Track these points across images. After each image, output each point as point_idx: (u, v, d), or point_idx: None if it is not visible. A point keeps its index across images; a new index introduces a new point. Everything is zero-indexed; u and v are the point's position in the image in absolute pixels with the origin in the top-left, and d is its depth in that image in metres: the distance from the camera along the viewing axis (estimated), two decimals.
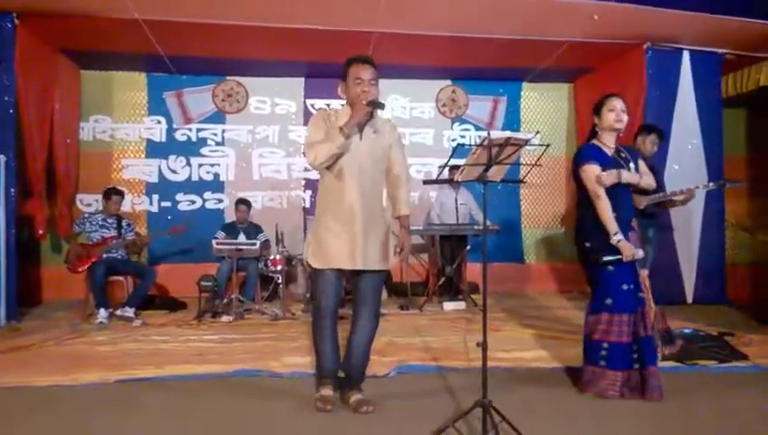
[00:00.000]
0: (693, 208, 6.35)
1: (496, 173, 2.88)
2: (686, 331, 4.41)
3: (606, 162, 3.30)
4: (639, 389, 3.21)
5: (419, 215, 7.26)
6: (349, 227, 2.98)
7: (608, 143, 3.36)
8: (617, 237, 3.18)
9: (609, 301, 3.26)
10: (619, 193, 3.29)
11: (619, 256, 3.18)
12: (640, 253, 3.20)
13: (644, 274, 3.33)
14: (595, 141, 3.41)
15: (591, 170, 3.27)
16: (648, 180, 3.42)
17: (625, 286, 3.23)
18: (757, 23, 5.75)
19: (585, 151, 3.40)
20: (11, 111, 5.57)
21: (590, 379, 3.30)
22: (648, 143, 4.76)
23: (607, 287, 3.27)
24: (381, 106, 3.01)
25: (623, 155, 3.37)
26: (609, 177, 3.23)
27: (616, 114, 3.30)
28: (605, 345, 3.25)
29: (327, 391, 3.10)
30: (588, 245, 3.34)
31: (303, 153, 3.10)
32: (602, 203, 3.23)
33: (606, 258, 3.23)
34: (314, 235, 3.11)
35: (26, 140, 5.88)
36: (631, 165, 3.34)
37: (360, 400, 3.06)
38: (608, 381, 3.22)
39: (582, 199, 3.39)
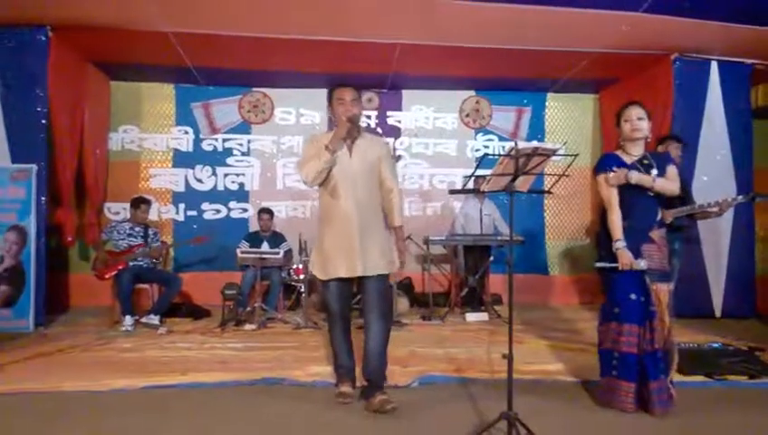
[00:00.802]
0: (722, 221, 6.23)
1: (523, 184, 2.87)
2: (715, 345, 4.34)
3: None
4: (648, 402, 3.14)
5: (442, 225, 7.25)
6: (347, 238, 3.23)
7: (631, 152, 3.34)
8: (616, 244, 3.20)
9: (616, 310, 3.25)
10: (632, 201, 3.27)
11: (615, 264, 3.19)
12: (641, 264, 3.15)
13: (662, 287, 3.23)
14: (618, 150, 3.40)
15: (604, 179, 3.31)
16: (666, 185, 3.27)
17: (633, 296, 3.19)
18: None
19: (601, 161, 3.42)
20: (43, 121, 5.71)
21: (607, 391, 3.27)
22: (673, 151, 4.75)
23: (614, 296, 3.28)
24: (358, 120, 3.29)
25: (647, 162, 3.31)
26: (616, 176, 3.24)
27: (631, 124, 3.29)
28: (615, 355, 3.22)
29: (345, 388, 3.39)
30: (603, 253, 3.35)
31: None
32: (613, 211, 3.27)
33: (598, 264, 3.30)
34: (317, 249, 3.40)
35: (57, 149, 6.02)
36: (653, 171, 3.27)
37: (384, 399, 3.18)
38: (623, 392, 3.17)
39: (603, 209, 3.40)
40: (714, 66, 6.52)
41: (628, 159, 3.32)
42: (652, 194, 3.27)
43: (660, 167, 3.30)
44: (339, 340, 3.41)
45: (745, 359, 4.06)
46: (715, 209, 4.49)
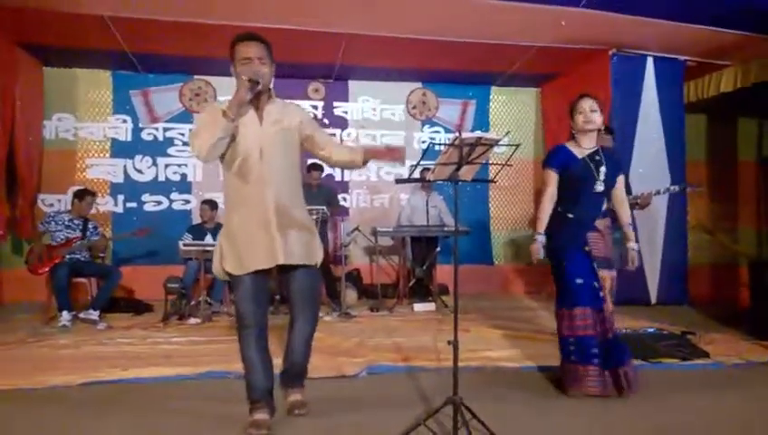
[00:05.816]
0: (657, 211, 6.51)
1: (467, 173, 2.89)
2: (650, 330, 4.53)
3: (574, 165, 3.32)
4: (618, 386, 3.20)
5: (390, 217, 7.28)
6: (262, 223, 2.64)
7: (583, 144, 3.36)
8: (534, 236, 3.37)
9: (567, 295, 3.31)
10: (580, 193, 3.33)
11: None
12: (538, 256, 3.34)
13: (605, 274, 3.34)
14: (570, 143, 3.41)
15: (549, 176, 3.38)
16: (627, 210, 3.49)
17: (579, 281, 3.25)
18: (718, 31, 5.90)
19: (552, 154, 3.45)
20: None
21: (568, 377, 3.29)
22: (606, 142, 5.04)
23: (563, 282, 3.33)
24: (267, 81, 2.75)
25: (598, 158, 3.34)
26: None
27: (584, 116, 3.31)
28: (572, 340, 3.27)
29: (260, 415, 2.72)
30: (552, 242, 3.37)
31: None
32: (543, 202, 3.39)
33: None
34: (225, 238, 2.75)
35: None
36: (602, 169, 3.31)
37: (296, 401, 2.94)
38: (588, 377, 3.20)
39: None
40: (649, 62, 6.75)
41: (579, 153, 3.35)
42: (601, 189, 3.33)
43: (609, 166, 3.34)
44: (252, 356, 2.74)
45: (678, 343, 4.26)
46: (637, 201, 4.88)
